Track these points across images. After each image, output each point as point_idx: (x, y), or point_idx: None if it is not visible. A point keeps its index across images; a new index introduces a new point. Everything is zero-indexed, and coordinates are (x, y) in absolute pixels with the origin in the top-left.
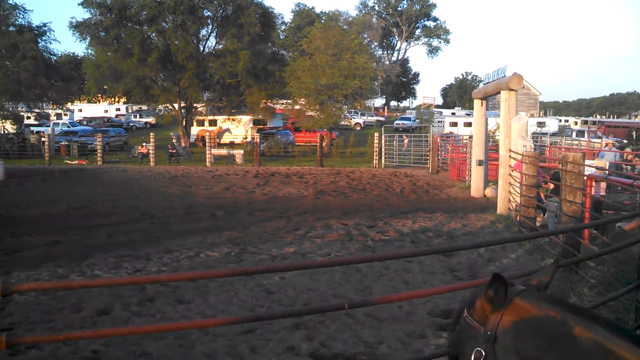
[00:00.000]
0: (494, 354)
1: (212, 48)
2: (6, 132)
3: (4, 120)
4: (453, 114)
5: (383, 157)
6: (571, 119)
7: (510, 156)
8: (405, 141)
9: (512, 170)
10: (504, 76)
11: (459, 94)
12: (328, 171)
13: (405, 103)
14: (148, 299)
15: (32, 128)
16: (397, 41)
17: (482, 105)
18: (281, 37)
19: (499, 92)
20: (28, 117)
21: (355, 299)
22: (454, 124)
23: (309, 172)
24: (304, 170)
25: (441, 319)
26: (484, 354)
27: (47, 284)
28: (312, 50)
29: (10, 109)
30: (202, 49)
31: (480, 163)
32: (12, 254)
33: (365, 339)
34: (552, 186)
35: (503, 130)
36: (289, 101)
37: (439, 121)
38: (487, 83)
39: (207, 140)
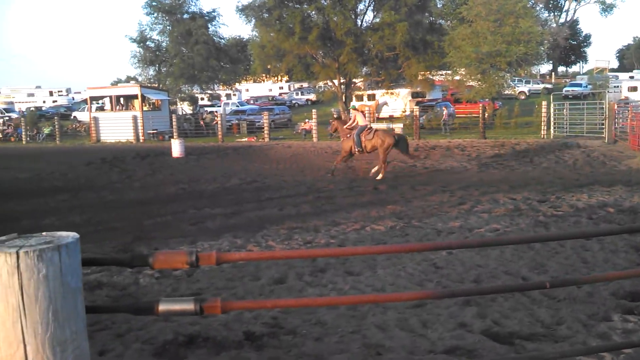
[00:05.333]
0: None
1: (369, 22)
2: (184, 112)
3: (181, 102)
4: (631, 77)
5: (552, 127)
6: None
7: None
8: (445, 112)
9: None
10: None
11: (638, 55)
12: (492, 143)
13: (574, 68)
14: (319, 270)
15: (205, 108)
16: (565, 1)
17: None
18: (439, 5)
19: None
20: (202, 99)
21: (528, 276)
22: (633, 89)
23: (471, 144)
24: (465, 142)
25: (627, 302)
26: None
27: (255, 254)
28: (472, 17)
29: (187, 91)
30: (360, 23)
31: None
32: (196, 224)
33: (542, 319)
34: None
35: None
36: (449, 72)
37: (615, 86)
38: None
39: (366, 114)
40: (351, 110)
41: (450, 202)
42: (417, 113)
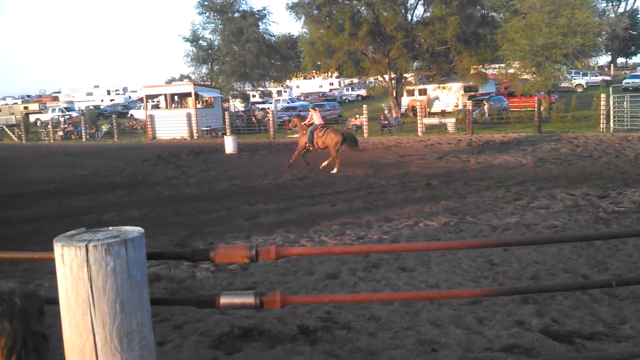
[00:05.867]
0: None
1: (420, 16)
2: (236, 109)
3: (234, 99)
4: None
5: (612, 121)
6: None
7: None
8: (485, 107)
9: None
10: None
11: None
12: (548, 137)
13: (635, 59)
14: (372, 266)
15: (257, 105)
16: None
17: None
18: None
19: None
20: (253, 96)
21: (589, 274)
22: None
23: (526, 139)
24: (520, 137)
25: None
26: None
27: (313, 249)
28: (526, 9)
29: (238, 88)
30: (410, 18)
31: None
32: (250, 219)
33: (603, 317)
34: None
35: None
36: (502, 65)
37: None
38: None
39: (417, 109)
40: (310, 109)
41: (506, 198)
42: (470, 107)
